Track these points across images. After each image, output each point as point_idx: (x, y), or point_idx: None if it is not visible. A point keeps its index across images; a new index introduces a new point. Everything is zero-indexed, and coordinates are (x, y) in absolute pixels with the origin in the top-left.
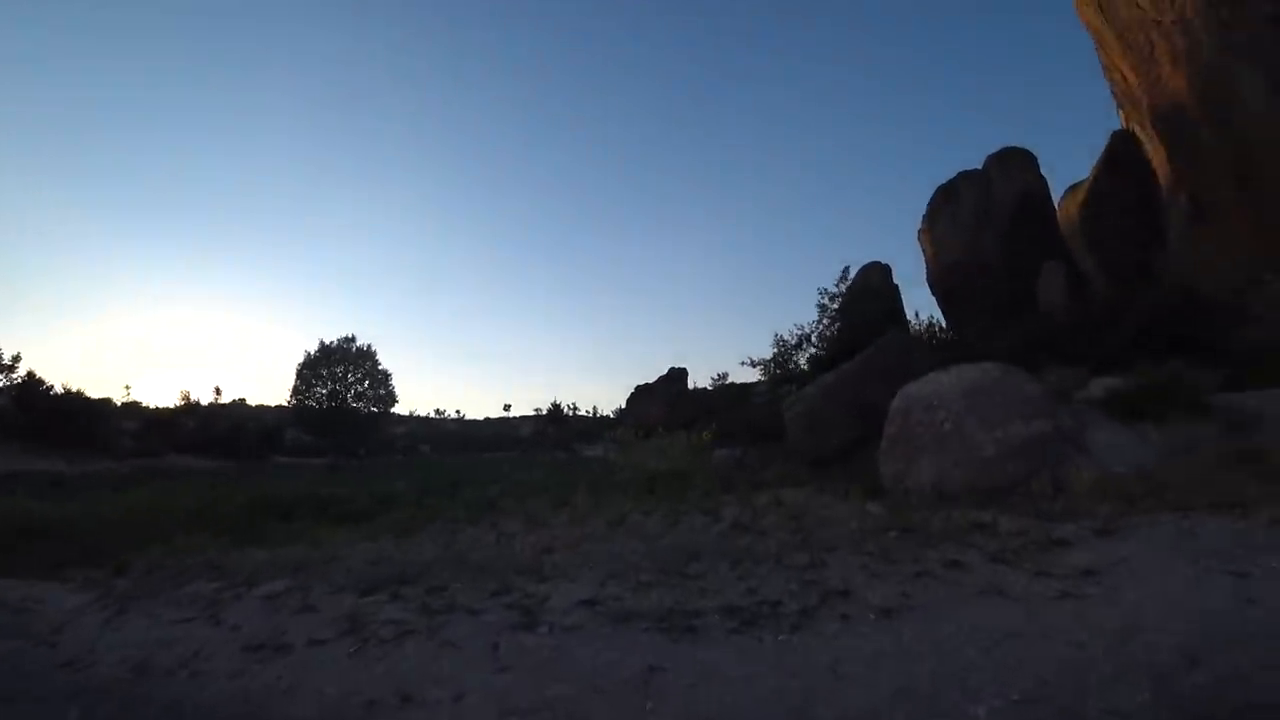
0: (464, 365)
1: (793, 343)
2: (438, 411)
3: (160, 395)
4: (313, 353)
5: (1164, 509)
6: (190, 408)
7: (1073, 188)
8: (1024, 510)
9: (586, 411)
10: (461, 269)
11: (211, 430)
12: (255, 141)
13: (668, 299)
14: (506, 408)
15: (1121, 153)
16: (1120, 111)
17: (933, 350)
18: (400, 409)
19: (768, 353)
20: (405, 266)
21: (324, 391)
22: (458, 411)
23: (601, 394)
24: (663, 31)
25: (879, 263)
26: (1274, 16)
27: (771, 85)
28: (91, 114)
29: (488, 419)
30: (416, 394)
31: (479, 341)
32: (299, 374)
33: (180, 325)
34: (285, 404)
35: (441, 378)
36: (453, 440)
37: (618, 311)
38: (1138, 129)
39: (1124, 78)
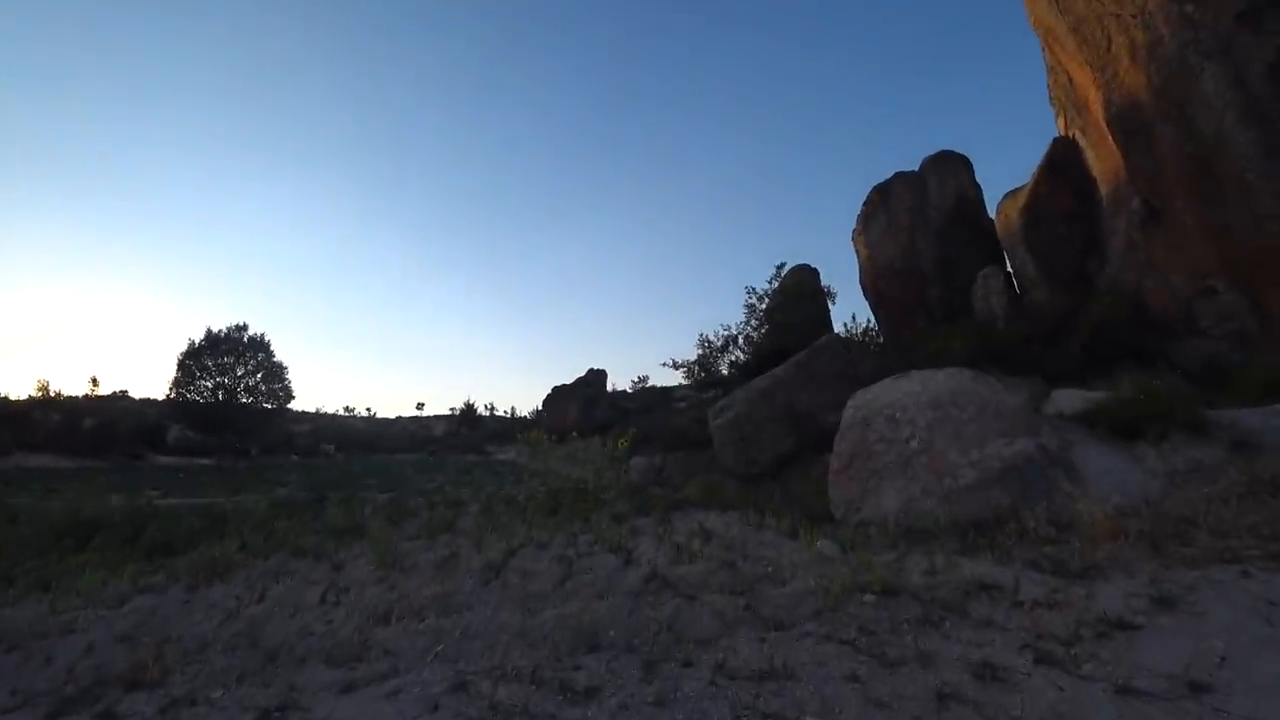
0: (379, 362)
1: (718, 344)
2: (347, 409)
3: (29, 385)
4: (198, 341)
5: (1209, 558)
6: (49, 400)
7: (1011, 193)
8: (1022, 555)
9: (505, 412)
10: (378, 265)
11: (78, 426)
12: (160, 115)
13: (594, 299)
14: (419, 406)
15: (1061, 159)
16: (1060, 118)
17: (873, 356)
18: (306, 405)
19: (692, 354)
20: (317, 259)
21: (209, 384)
22: (368, 410)
23: (523, 394)
24: (590, 26)
25: (808, 265)
26: (1241, 12)
27: (704, 79)
28: None
29: (400, 418)
30: (325, 390)
31: (395, 338)
32: (180, 365)
33: (57, 307)
34: (165, 398)
35: (354, 374)
36: (360, 440)
37: (541, 310)
38: (1078, 134)
39: (1071, 79)
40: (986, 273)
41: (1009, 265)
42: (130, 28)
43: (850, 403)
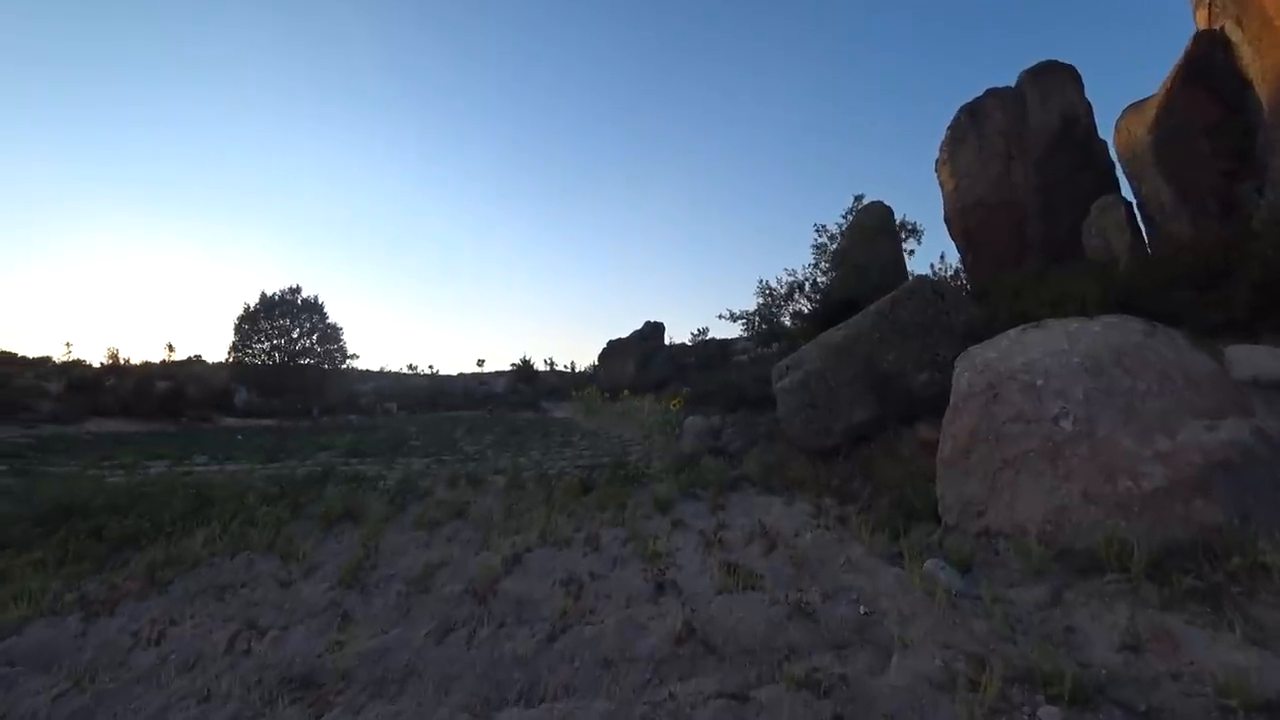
0: (442, 319)
1: (782, 292)
2: (411, 367)
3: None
4: (253, 305)
5: None
6: (119, 367)
7: (1135, 105)
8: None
9: (565, 366)
10: (440, 221)
11: (150, 391)
12: (215, 88)
13: (657, 248)
14: (480, 363)
15: (1203, 59)
16: (1200, 9)
17: (971, 304)
18: (371, 365)
19: (752, 304)
20: (381, 218)
21: (265, 347)
22: (431, 367)
23: (584, 348)
24: None
25: (881, 203)
26: None
27: (769, 12)
28: (32, 53)
29: (461, 374)
30: (389, 349)
31: (457, 294)
32: (237, 328)
33: (137, 278)
34: (225, 362)
35: (418, 332)
36: (422, 397)
37: (605, 261)
38: (1229, 25)
39: None
40: (1104, 203)
41: (1131, 195)
42: None
43: (962, 364)
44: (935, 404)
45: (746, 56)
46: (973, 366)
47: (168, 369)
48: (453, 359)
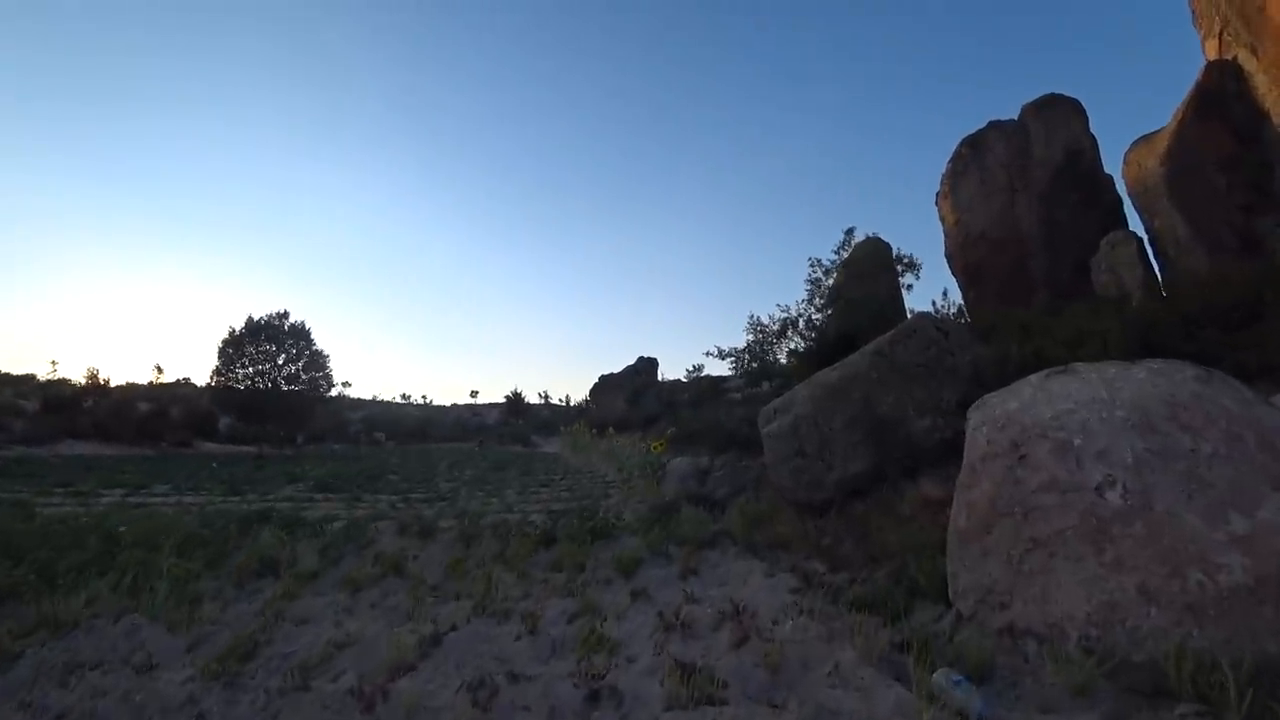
0: (437, 349)
1: (774, 329)
2: (404, 397)
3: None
4: (238, 329)
5: None
6: (98, 387)
7: (1145, 138)
8: None
9: (560, 399)
10: (439, 251)
11: (129, 413)
12: (217, 114)
13: (655, 283)
14: (473, 394)
15: (1215, 89)
16: (1210, 39)
17: (978, 343)
18: (363, 393)
19: (743, 340)
20: (379, 246)
21: (250, 372)
22: (424, 397)
23: (579, 381)
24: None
25: (878, 238)
26: None
27: (766, 34)
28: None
29: (454, 405)
30: (383, 378)
31: (454, 325)
32: (221, 353)
33: (134, 298)
34: (207, 385)
35: (413, 362)
36: (412, 428)
37: (602, 295)
38: (1243, 54)
39: None
40: (1114, 238)
41: (1141, 231)
42: (181, 17)
43: (977, 415)
44: (938, 454)
45: (745, 88)
46: (991, 419)
47: (153, 391)
48: (447, 390)
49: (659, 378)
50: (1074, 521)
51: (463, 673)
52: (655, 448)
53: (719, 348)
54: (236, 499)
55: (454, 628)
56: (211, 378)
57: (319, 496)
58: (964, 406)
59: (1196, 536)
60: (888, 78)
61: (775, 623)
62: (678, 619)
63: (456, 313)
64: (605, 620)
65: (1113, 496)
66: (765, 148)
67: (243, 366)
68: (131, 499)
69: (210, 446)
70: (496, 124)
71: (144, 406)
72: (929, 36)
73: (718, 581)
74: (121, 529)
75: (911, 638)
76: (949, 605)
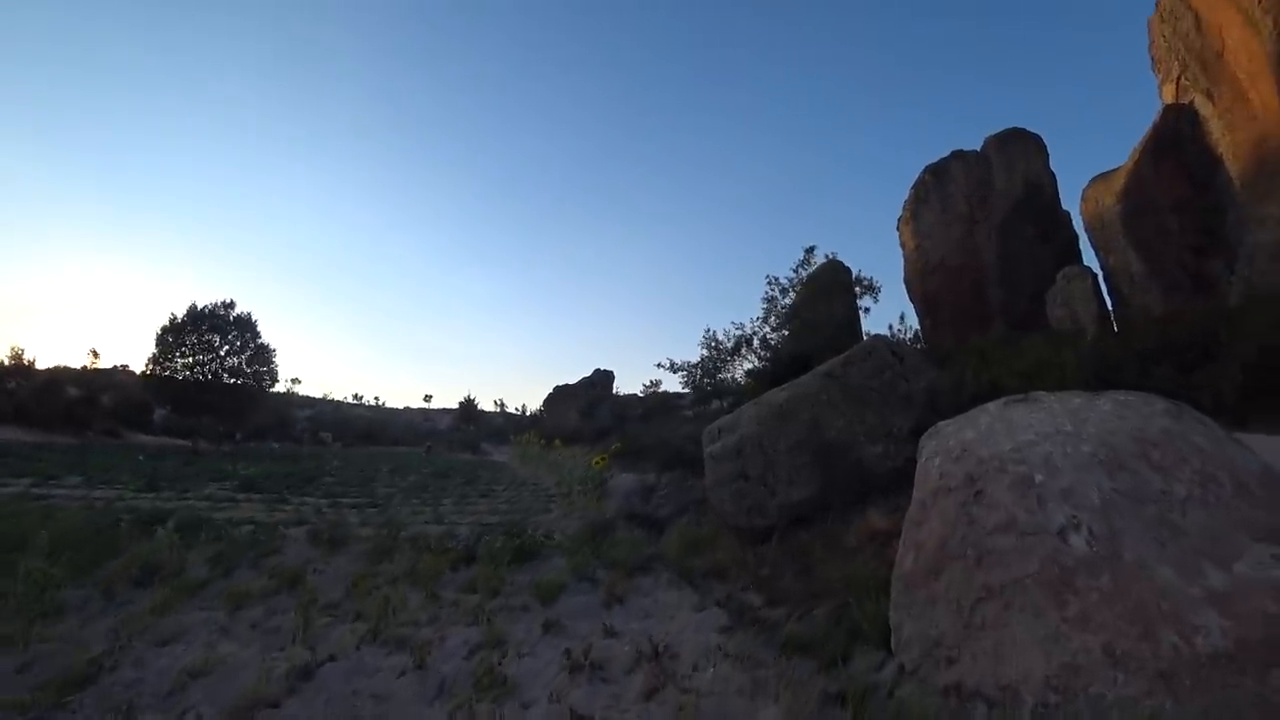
0: (397, 352)
1: (729, 346)
2: (356, 397)
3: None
4: (180, 316)
5: None
6: (22, 368)
7: (1103, 176)
8: None
9: (516, 408)
10: (401, 255)
11: (56, 399)
12: (190, 105)
13: (620, 297)
14: (427, 398)
15: (1171, 132)
16: (1167, 84)
17: (935, 369)
18: (314, 391)
19: (696, 355)
20: (341, 247)
21: (189, 362)
22: (376, 398)
23: (538, 390)
24: (609, 23)
25: (837, 260)
26: None
27: (734, 69)
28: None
29: (407, 409)
30: (337, 378)
31: (415, 329)
32: (159, 340)
33: (63, 278)
34: (142, 374)
35: (371, 363)
36: (362, 429)
37: (567, 306)
38: (1200, 99)
39: (1200, 22)
40: (1070, 272)
41: (1097, 267)
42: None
43: (931, 444)
44: (888, 482)
45: (712, 105)
46: (945, 449)
47: (85, 376)
48: (401, 392)
49: (614, 391)
50: (1033, 569)
51: (330, 714)
52: (596, 463)
53: (671, 360)
54: (151, 495)
55: (332, 657)
56: (147, 366)
57: (241, 497)
58: (917, 434)
59: (1169, 592)
60: (854, 100)
61: (696, 668)
62: (586, 659)
63: (417, 315)
64: (507, 656)
65: (1077, 542)
66: (730, 165)
67: (182, 356)
68: (37, 490)
69: (142, 438)
70: (466, 130)
71: (73, 392)
72: (896, 62)
73: (643, 613)
74: None
75: (848, 689)
76: (890, 652)
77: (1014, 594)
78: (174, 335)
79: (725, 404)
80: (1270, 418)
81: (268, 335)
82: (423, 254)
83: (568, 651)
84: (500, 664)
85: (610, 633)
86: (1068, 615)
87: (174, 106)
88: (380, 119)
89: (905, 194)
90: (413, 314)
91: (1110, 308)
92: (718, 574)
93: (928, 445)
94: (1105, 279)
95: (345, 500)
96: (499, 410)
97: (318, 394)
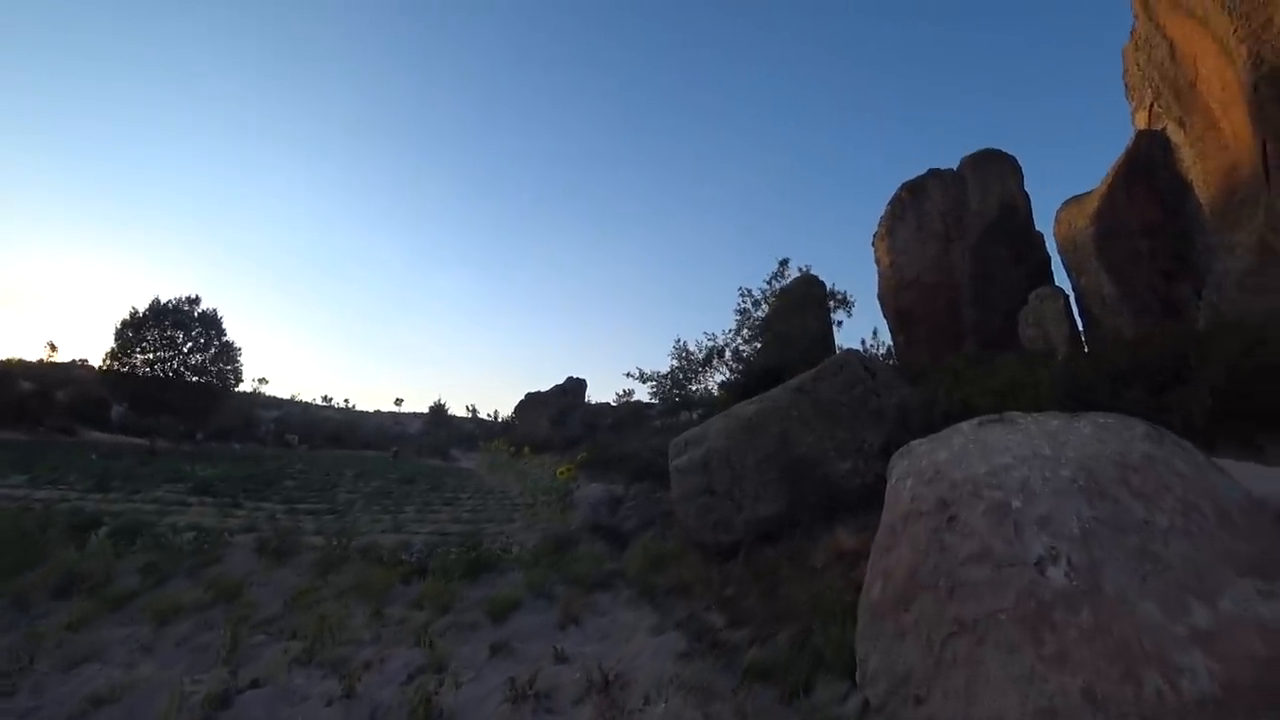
0: (372, 356)
1: (700, 357)
2: (325, 399)
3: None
4: (141, 311)
5: None
6: None
7: (1076, 198)
8: None
9: (488, 414)
10: (380, 259)
11: (4, 393)
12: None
13: (599, 306)
14: (398, 402)
15: (1144, 158)
16: (1140, 111)
17: (908, 385)
18: (282, 392)
19: (666, 365)
20: (319, 248)
21: (147, 358)
22: (346, 401)
23: (512, 398)
24: (594, 34)
25: (812, 273)
26: None
27: (715, 84)
28: None
29: (377, 411)
30: (308, 379)
31: (392, 332)
32: (118, 334)
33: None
34: (100, 370)
35: (344, 365)
36: (330, 432)
37: (546, 314)
38: (1172, 126)
39: (1174, 50)
40: (1042, 293)
41: (1069, 288)
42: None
43: (903, 464)
44: (858, 499)
45: (690, 114)
46: (916, 470)
47: (41, 370)
48: (372, 395)
49: (587, 400)
50: (1009, 603)
51: None
52: (562, 473)
53: (640, 370)
54: (98, 497)
55: (256, 683)
56: (104, 361)
57: (193, 500)
58: (888, 450)
59: (1153, 629)
60: (833, 113)
61: (648, 700)
62: (531, 688)
63: (393, 316)
64: (445, 684)
65: (1056, 574)
66: (708, 169)
67: (142, 352)
68: None
69: (98, 436)
70: (448, 129)
71: (27, 386)
72: (875, 79)
73: (600, 634)
74: None
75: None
76: (854, 682)
77: (988, 629)
78: (134, 330)
79: (695, 416)
80: (1236, 441)
81: (236, 334)
82: (402, 254)
83: (512, 680)
84: (438, 692)
85: (561, 658)
86: (1045, 653)
87: (146, 95)
88: (361, 116)
89: (881, 208)
90: (388, 315)
91: (1081, 329)
92: (681, 591)
93: (899, 465)
94: (1077, 300)
95: (303, 506)
96: (471, 416)
97: (286, 395)
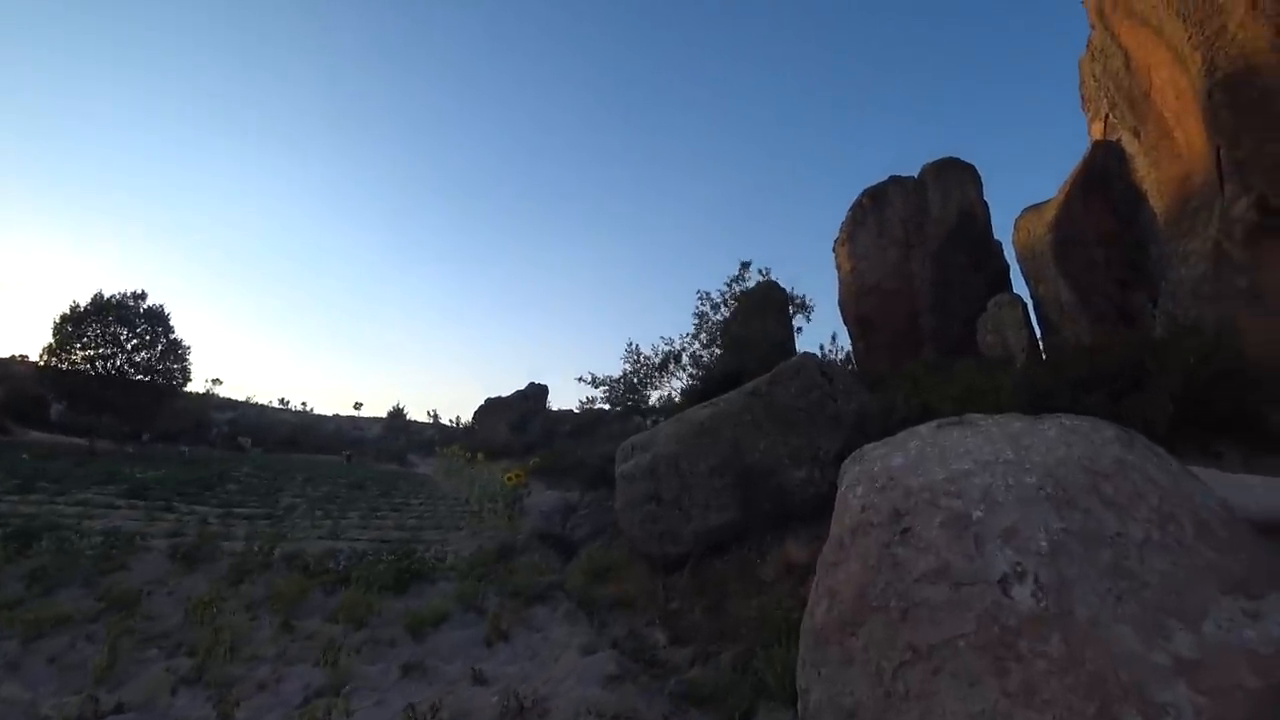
0: (324, 356)
1: (656, 361)
2: (281, 401)
3: None
4: (82, 305)
5: None
6: None
7: (1034, 207)
8: None
9: (450, 420)
10: (348, 258)
11: None
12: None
13: (567, 309)
14: (357, 405)
15: (1100, 168)
16: (1096, 121)
17: (865, 390)
18: (237, 394)
19: (618, 369)
20: (288, 248)
21: (89, 354)
22: (303, 404)
23: (474, 403)
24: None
25: (772, 279)
26: None
27: (671, 63)
28: None
29: (335, 415)
30: (261, 380)
31: (346, 333)
32: (57, 329)
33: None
34: (37, 366)
35: (295, 366)
36: (285, 435)
37: (512, 319)
38: (1127, 136)
39: (1130, 60)
40: (1001, 300)
41: (1028, 295)
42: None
43: (854, 470)
44: (812, 509)
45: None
46: (868, 476)
47: None
48: (330, 399)
49: (548, 405)
50: (969, 628)
51: None
52: (510, 479)
53: (592, 374)
54: (16, 498)
55: (121, 707)
56: (42, 356)
57: (122, 503)
58: (844, 458)
59: (1130, 659)
60: (795, 117)
61: None
62: (435, 716)
63: (354, 318)
64: (336, 709)
65: (1022, 595)
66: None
67: (83, 348)
68: None
69: (35, 435)
70: (412, 131)
71: None
72: (839, 82)
73: (529, 652)
74: None
75: None
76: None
77: (945, 657)
78: (74, 325)
79: (649, 422)
80: (1196, 448)
81: (190, 332)
82: (371, 251)
83: (412, 707)
84: (328, 718)
85: (480, 679)
86: (1009, 687)
87: (98, 73)
88: (332, 104)
89: (842, 213)
90: (353, 313)
91: (1040, 336)
92: (624, 605)
93: (850, 471)
94: (1035, 308)
95: (241, 511)
96: (432, 421)
97: (241, 397)
